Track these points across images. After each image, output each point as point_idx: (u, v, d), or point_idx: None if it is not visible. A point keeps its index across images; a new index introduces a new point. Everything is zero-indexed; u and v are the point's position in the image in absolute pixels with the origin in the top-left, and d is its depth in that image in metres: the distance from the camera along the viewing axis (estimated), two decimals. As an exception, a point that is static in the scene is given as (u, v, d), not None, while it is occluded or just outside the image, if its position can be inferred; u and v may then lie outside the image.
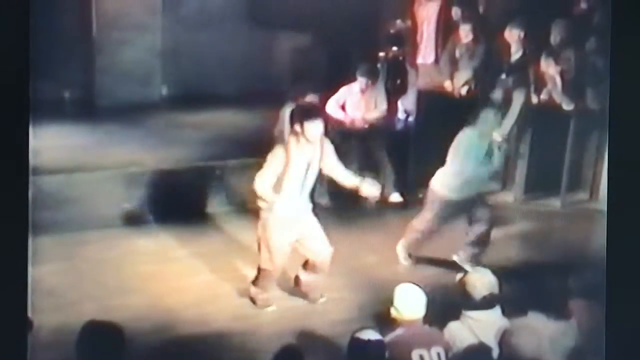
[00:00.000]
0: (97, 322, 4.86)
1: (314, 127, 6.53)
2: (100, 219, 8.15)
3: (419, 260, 7.82)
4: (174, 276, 7.45)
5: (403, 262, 7.85)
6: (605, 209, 5.19)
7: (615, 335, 5.12)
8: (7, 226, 4.99)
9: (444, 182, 7.56)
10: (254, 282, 7.07)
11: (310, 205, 6.92)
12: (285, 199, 6.66)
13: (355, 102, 9.12)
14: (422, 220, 7.74)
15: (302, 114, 6.59)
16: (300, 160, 6.61)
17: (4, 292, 4.99)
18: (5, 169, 5.04)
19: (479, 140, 7.56)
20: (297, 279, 7.20)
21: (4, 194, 5.02)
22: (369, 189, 6.91)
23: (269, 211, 6.70)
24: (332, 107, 9.03)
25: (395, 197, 9.13)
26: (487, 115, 7.68)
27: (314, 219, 6.94)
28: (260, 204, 6.73)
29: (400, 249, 7.87)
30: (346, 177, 6.93)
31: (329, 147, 6.80)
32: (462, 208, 7.58)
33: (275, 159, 6.59)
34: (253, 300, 7.07)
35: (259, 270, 6.98)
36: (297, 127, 6.54)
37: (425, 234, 7.76)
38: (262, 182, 6.61)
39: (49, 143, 8.34)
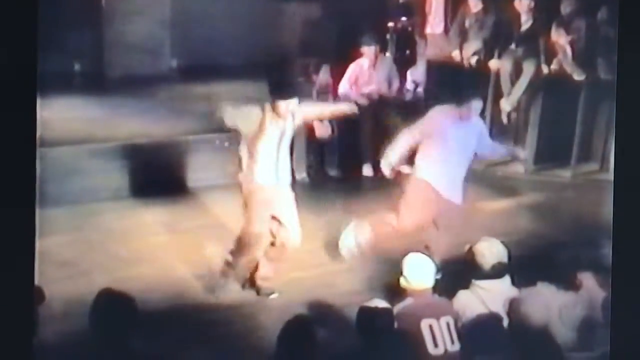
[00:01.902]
0: (111, 291, 4.89)
1: (286, 105, 6.55)
2: (110, 190, 8.18)
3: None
4: (185, 247, 7.47)
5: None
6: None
7: (622, 306, 5.14)
8: (16, 198, 5.02)
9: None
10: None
11: (289, 180, 6.85)
12: (261, 169, 6.66)
13: (367, 79, 9.10)
14: None
15: (276, 90, 6.63)
16: (273, 129, 6.61)
17: (13, 263, 5.03)
18: (15, 141, 5.07)
19: None
20: (252, 274, 6.98)
21: (14, 166, 5.05)
22: (347, 107, 7.14)
23: (249, 182, 6.68)
24: (344, 88, 9.01)
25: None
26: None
27: (291, 198, 6.84)
28: (239, 176, 6.73)
29: None
30: (324, 108, 7.22)
31: (301, 107, 6.77)
32: None
33: (249, 115, 6.60)
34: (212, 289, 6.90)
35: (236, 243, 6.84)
36: (270, 103, 6.57)
37: None
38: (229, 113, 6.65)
39: (59, 115, 8.35)
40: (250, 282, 6.96)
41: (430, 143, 6.95)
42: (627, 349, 5.13)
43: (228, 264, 6.85)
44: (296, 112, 6.67)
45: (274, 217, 6.76)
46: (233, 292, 6.86)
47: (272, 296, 6.91)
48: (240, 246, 6.81)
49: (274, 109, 6.56)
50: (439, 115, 7.00)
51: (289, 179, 6.86)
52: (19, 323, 4.98)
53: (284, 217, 6.77)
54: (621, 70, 5.22)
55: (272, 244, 6.85)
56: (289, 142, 6.80)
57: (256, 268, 6.92)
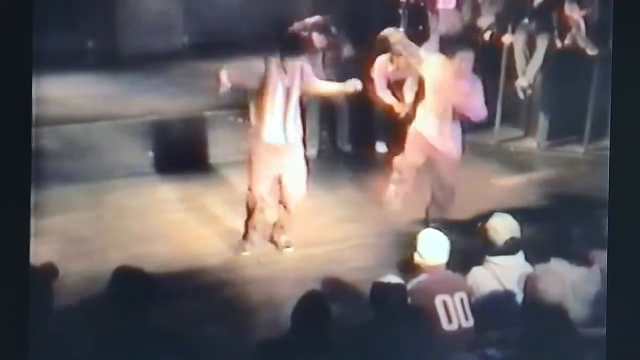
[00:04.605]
0: (129, 268, 4.93)
1: (293, 63, 6.75)
2: (124, 168, 8.20)
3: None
4: (199, 223, 7.50)
5: None
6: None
7: (618, 280, 5.16)
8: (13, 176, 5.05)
9: None
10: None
11: (299, 137, 6.99)
12: (269, 126, 6.80)
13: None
14: None
15: (285, 47, 6.81)
16: (278, 85, 6.76)
17: (7, 239, 5.06)
18: (12, 119, 5.09)
19: None
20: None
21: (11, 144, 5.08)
22: (351, 85, 7.06)
23: (256, 137, 6.86)
24: (382, 90, 8.92)
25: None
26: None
27: (301, 155, 7.03)
28: (249, 131, 6.92)
29: None
30: (329, 86, 7.20)
31: (308, 69, 6.96)
32: None
33: (253, 68, 6.80)
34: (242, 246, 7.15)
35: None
36: (278, 58, 6.74)
37: None
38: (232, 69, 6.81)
39: (74, 92, 8.39)
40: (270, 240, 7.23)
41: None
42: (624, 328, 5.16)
43: (246, 226, 7.10)
44: (305, 71, 6.85)
45: (278, 179, 6.97)
46: (256, 245, 7.13)
47: (288, 250, 7.16)
48: (248, 208, 7.05)
49: (282, 65, 6.71)
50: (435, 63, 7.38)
51: (299, 139, 6.99)
52: (12, 309, 5.03)
53: (288, 176, 6.95)
54: (616, 46, 5.23)
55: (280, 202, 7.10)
56: (298, 102, 6.90)
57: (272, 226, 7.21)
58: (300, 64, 6.82)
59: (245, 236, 7.14)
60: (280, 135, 6.87)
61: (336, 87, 7.19)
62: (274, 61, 6.75)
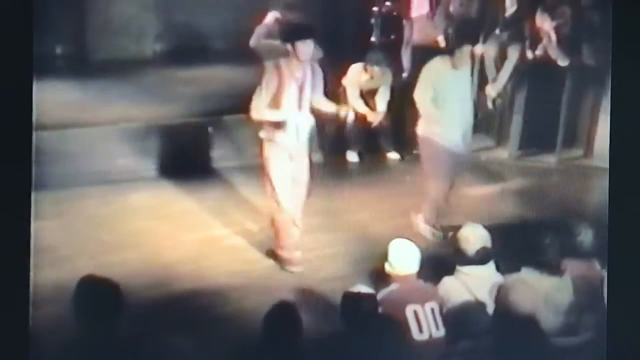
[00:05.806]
0: (94, 277, 4.89)
1: (306, 46, 6.62)
2: (95, 175, 8.15)
3: (445, 229, 7.42)
4: (170, 232, 7.46)
5: (431, 237, 7.41)
6: (601, 165, 5.22)
7: (617, 293, 5.18)
8: (7, 182, 5.01)
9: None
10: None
11: (306, 140, 6.90)
12: (284, 127, 6.70)
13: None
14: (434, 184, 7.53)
15: (294, 33, 6.69)
16: (293, 80, 6.68)
17: (5, 248, 5.02)
18: (6, 124, 5.05)
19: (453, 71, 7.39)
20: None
21: (5, 150, 5.04)
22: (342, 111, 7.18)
23: (270, 142, 6.74)
24: (357, 102, 8.93)
25: (394, 155, 9.13)
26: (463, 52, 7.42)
27: (307, 160, 6.97)
28: (261, 134, 6.78)
29: (422, 225, 7.48)
30: (327, 105, 7.04)
31: (319, 72, 6.87)
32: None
33: (268, 78, 6.66)
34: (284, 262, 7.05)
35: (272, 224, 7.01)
36: (289, 47, 6.63)
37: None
38: (258, 105, 6.68)
39: (41, 99, 8.29)
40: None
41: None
42: (622, 334, 5.17)
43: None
44: (315, 70, 6.77)
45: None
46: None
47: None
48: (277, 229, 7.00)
49: (294, 51, 6.60)
50: (434, 66, 7.38)
51: (307, 140, 6.90)
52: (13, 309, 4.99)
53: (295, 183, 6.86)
54: (615, 58, 5.25)
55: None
56: (309, 101, 6.80)
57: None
58: (310, 62, 6.72)
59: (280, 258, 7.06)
60: (293, 135, 6.77)
61: (330, 108, 7.10)
62: (282, 61, 6.69)
